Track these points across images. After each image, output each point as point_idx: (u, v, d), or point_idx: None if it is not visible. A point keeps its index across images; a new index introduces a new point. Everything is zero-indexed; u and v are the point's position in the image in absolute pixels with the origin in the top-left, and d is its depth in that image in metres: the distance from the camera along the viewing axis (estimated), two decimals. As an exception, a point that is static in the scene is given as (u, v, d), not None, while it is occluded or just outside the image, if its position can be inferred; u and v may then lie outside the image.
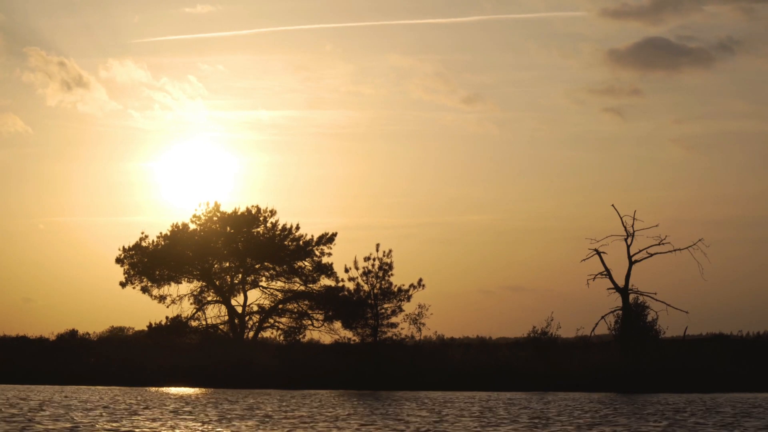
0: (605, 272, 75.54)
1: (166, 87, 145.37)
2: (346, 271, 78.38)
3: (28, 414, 41.34)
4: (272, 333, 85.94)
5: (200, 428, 35.87)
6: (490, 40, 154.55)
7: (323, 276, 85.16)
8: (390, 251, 77.71)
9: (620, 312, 75.13)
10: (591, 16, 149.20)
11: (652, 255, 75.31)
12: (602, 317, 75.40)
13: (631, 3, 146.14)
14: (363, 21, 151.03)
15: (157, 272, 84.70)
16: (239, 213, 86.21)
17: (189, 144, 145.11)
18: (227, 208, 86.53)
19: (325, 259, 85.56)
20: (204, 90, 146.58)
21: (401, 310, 77.48)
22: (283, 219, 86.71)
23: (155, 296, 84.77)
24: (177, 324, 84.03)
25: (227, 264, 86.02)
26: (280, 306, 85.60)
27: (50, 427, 35.15)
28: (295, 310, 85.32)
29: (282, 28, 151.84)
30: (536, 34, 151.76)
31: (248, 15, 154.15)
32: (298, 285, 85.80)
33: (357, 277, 77.87)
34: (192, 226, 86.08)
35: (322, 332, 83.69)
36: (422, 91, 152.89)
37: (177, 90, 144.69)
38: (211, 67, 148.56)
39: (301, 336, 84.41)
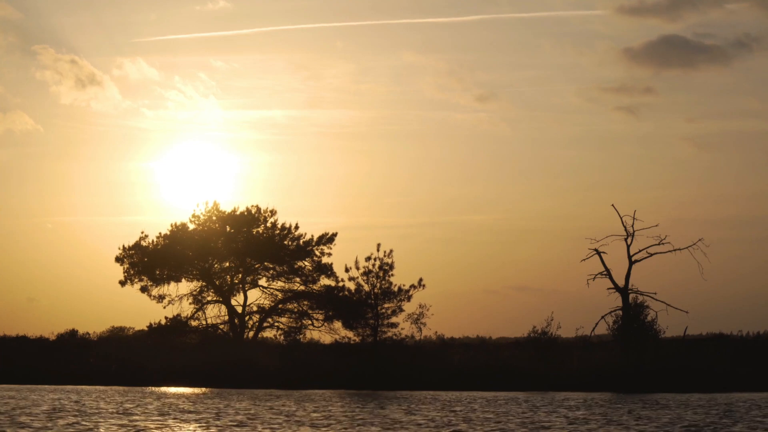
0: (605, 272, 75.55)
1: (178, 85, 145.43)
2: (347, 270, 78.52)
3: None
4: (272, 333, 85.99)
5: None
6: (505, 38, 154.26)
7: (323, 276, 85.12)
8: (390, 251, 77.88)
9: (620, 312, 75.13)
10: (608, 14, 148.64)
11: (652, 255, 75.35)
12: (602, 317, 75.45)
13: (649, 0, 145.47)
14: (373, 20, 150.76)
15: (157, 272, 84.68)
16: (239, 213, 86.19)
17: (190, 144, 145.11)
18: (227, 208, 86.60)
19: (325, 259, 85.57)
20: (217, 89, 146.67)
21: (402, 310, 77.57)
22: (283, 219, 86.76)
23: (154, 296, 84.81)
24: (177, 324, 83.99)
25: (227, 264, 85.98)
26: (280, 306, 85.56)
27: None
28: (295, 310, 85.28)
29: (285, 27, 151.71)
30: (552, 32, 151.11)
31: (252, 14, 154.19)
32: (298, 285, 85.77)
33: (357, 277, 77.98)
34: (191, 226, 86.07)
35: (322, 332, 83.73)
36: (435, 89, 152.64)
37: (189, 88, 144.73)
38: (226, 65, 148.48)
39: (301, 336, 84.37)
